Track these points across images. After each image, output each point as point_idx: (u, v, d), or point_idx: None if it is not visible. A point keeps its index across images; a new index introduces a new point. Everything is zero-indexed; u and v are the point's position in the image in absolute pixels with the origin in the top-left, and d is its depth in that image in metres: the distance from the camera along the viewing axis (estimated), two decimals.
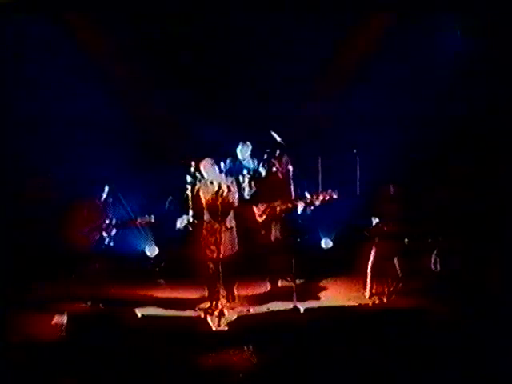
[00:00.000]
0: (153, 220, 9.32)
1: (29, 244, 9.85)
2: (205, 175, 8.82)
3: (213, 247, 8.64)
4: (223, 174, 8.98)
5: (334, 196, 9.02)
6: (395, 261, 9.09)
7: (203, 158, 8.95)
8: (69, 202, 9.55)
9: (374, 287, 8.99)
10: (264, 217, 9.21)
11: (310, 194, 9.14)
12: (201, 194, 8.81)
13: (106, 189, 9.43)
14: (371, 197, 9.58)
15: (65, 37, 10.46)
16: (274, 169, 9.33)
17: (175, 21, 10.50)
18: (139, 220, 9.36)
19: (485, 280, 8.76)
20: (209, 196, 8.76)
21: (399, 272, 9.07)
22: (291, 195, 9.22)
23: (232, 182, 8.93)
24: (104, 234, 9.24)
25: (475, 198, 9.69)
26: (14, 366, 6.84)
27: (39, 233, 9.91)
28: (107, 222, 9.27)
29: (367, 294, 8.97)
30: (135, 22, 10.49)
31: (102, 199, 9.41)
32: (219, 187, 8.67)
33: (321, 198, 9.03)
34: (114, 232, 9.31)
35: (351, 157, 9.96)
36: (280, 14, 10.44)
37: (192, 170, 8.93)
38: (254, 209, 9.25)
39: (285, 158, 9.32)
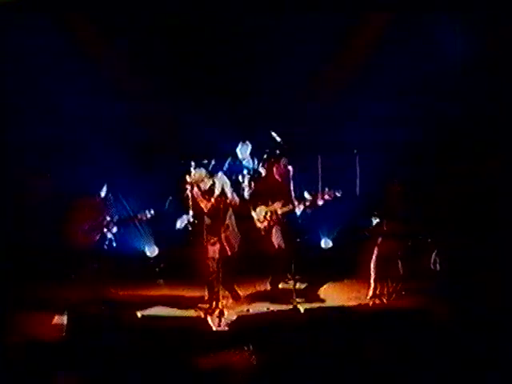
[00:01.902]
0: (153, 214, 9.30)
1: (29, 244, 9.86)
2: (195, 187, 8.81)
3: (214, 245, 8.66)
4: (221, 175, 8.97)
5: (338, 194, 8.99)
6: (397, 261, 9.08)
7: (203, 158, 8.95)
8: (69, 200, 9.54)
9: (378, 288, 8.98)
10: (265, 223, 9.16)
11: (311, 194, 9.12)
12: (200, 197, 8.80)
13: (106, 187, 9.43)
14: (371, 197, 9.58)
15: (65, 37, 10.47)
16: (273, 170, 9.29)
17: (175, 21, 10.50)
18: (139, 216, 9.36)
19: (485, 280, 8.76)
20: (207, 199, 8.76)
21: (401, 272, 9.06)
22: (291, 197, 9.16)
23: (230, 184, 8.92)
24: (105, 230, 9.24)
25: (475, 197, 9.69)
26: (14, 366, 6.83)
27: (39, 232, 9.91)
28: (108, 219, 9.27)
29: (370, 294, 8.96)
30: (135, 21, 10.49)
31: (102, 197, 9.41)
32: (218, 190, 8.68)
33: (324, 197, 8.99)
34: (114, 229, 9.31)
35: (351, 157, 9.98)
36: (280, 14, 10.44)
37: (192, 170, 8.92)
38: (253, 214, 9.19)
39: (283, 160, 9.27)
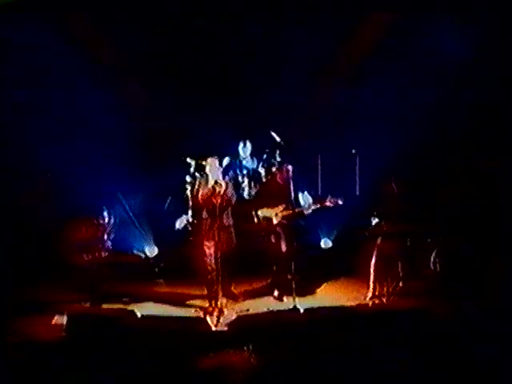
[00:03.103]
0: (143, 256, 9.34)
1: (29, 245, 9.86)
2: (208, 174, 8.84)
3: (211, 243, 8.67)
4: (221, 172, 9.01)
5: (340, 202, 8.97)
6: (396, 261, 9.07)
7: (203, 158, 8.97)
8: (69, 213, 9.56)
9: (377, 288, 8.97)
10: (265, 223, 9.15)
11: (314, 200, 9.09)
12: (199, 191, 8.83)
13: (110, 210, 9.43)
14: (371, 197, 9.58)
15: (65, 37, 10.47)
16: (274, 173, 9.28)
17: (175, 21, 10.50)
18: (132, 254, 9.38)
19: (485, 280, 8.76)
20: (206, 194, 8.79)
21: (400, 272, 9.06)
22: (291, 199, 9.11)
23: (229, 180, 8.97)
24: (96, 254, 9.24)
25: (475, 197, 9.69)
26: (14, 367, 6.84)
27: (39, 234, 9.91)
28: (100, 246, 9.27)
29: (370, 295, 8.94)
30: (135, 21, 10.50)
31: (104, 220, 9.40)
32: (217, 185, 8.71)
33: (325, 204, 8.99)
34: (104, 255, 9.32)
35: (351, 157, 9.98)
36: (280, 14, 10.45)
37: (192, 169, 8.94)
38: (253, 214, 9.18)
39: (285, 164, 9.25)
